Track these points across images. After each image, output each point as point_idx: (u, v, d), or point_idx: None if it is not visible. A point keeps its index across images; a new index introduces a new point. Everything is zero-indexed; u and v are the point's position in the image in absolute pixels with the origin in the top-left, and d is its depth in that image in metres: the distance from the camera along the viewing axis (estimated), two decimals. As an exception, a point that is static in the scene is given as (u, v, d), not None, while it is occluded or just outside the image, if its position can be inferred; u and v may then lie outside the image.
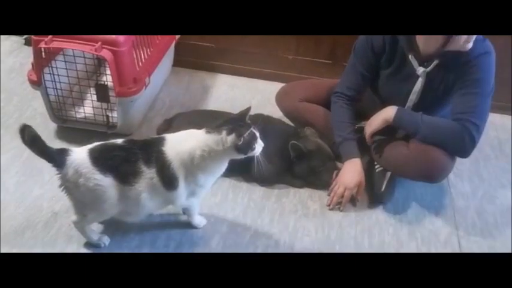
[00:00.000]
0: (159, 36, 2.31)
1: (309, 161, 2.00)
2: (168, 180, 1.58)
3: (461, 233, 1.92)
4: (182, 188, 1.61)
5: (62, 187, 1.58)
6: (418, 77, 1.85)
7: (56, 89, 2.09)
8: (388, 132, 1.97)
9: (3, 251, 1.69)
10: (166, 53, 2.42)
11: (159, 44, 2.34)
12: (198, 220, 1.83)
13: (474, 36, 1.69)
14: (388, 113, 1.87)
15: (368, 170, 2.03)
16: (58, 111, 2.16)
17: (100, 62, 2.35)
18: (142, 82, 2.10)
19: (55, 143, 2.12)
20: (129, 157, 1.56)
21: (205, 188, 1.71)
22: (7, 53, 2.75)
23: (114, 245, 1.75)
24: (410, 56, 1.84)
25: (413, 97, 1.89)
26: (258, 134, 1.60)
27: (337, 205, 1.97)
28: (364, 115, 2.05)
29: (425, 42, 1.77)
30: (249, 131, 1.55)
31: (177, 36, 2.51)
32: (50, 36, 1.92)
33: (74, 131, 2.19)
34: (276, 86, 2.32)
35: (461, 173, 2.19)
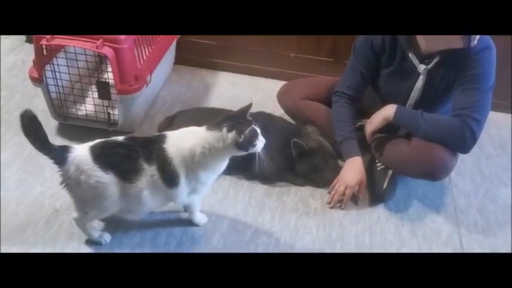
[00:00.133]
0: (160, 33, 2.32)
1: (311, 158, 2.00)
2: (169, 178, 1.58)
3: (463, 231, 1.91)
4: (183, 185, 1.61)
5: (63, 184, 1.58)
6: (418, 74, 1.85)
7: (57, 86, 2.09)
8: (389, 130, 1.97)
9: (4, 248, 1.70)
10: (167, 51, 2.42)
11: (161, 42, 2.33)
12: (199, 218, 1.83)
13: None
14: (388, 111, 1.87)
15: (369, 168, 2.03)
16: (59, 108, 2.16)
17: (101, 59, 2.35)
18: (143, 80, 2.10)
19: (56, 140, 2.12)
20: (130, 154, 1.56)
21: (206, 185, 1.70)
22: (8, 50, 2.76)
23: (115, 242, 1.75)
24: (410, 54, 1.83)
25: (414, 94, 1.89)
26: (259, 131, 1.60)
27: (338, 203, 1.97)
28: (365, 113, 2.05)
29: (430, 42, 1.77)
30: (250, 128, 1.55)
31: (178, 34, 2.51)
32: (52, 34, 1.92)
33: (75, 128, 2.19)
34: (278, 84, 2.32)
35: (463, 171, 2.19)
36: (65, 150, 1.55)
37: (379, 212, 1.97)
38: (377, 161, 2.04)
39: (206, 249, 1.76)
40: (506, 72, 2.39)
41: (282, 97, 2.25)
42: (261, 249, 1.77)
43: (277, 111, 2.24)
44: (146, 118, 2.36)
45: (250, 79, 2.70)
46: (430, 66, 1.82)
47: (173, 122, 2.14)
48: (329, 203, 1.97)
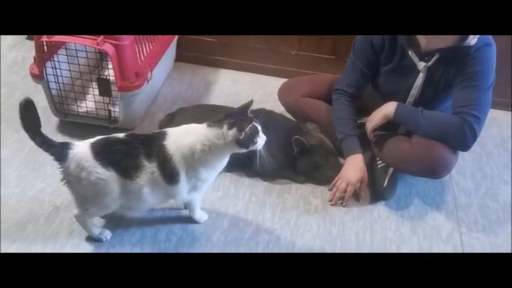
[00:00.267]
0: (161, 30, 2.31)
1: (312, 156, 2.00)
2: (169, 175, 1.58)
3: (463, 230, 1.91)
4: (183, 183, 1.61)
5: (64, 181, 1.58)
6: (418, 72, 1.85)
7: (58, 83, 2.09)
8: (390, 128, 1.97)
9: (5, 244, 1.70)
10: (168, 48, 2.42)
11: (161, 39, 2.33)
12: (200, 215, 1.83)
13: None
14: (388, 108, 1.87)
15: (370, 166, 2.03)
16: (60, 105, 2.16)
17: (102, 56, 2.34)
18: (144, 76, 2.10)
19: (57, 137, 2.10)
20: (131, 151, 1.55)
21: (207, 183, 1.70)
22: (9, 47, 2.75)
23: (116, 239, 1.75)
24: (410, 52, 1.83)
25: (414, 92, 1.89)
26: (260, 128, 1.60)
27: (340, 200, 1.97)
28: (365, 111, 2.04)
29: (431, 40, 1.76)
30: (250, 125, 1.55)
31: (179, 31, 2.50)
32: (52, 30, 1.92)
33: (75, 125, 2.19)
34: (279, 81, 2.32)
35: (464, 170, 2.19)
36: (65, 147, 1.55)
37: (380, 209, 1.97)
38: (377, 158, 2.04)
39: (206, 247, 1.76)
40: (507, 70, 2.38)
41: (283, 94, 2.24)
42: (261, 247, 1.77)
43: (278, 108, 2.23)
44: (147, 115, 2.35)
45: (251, 76, 2.70)
46: (430, 63, 1.82)
47: (174, 119, 2.14)
48: (330, 200, 1.97)
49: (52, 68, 2.05)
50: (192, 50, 2.70)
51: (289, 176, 2.06)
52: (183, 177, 1.60)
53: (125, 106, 2.11)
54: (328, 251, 1.78)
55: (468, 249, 1.83)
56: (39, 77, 2.06)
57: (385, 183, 1.99)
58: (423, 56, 1.83)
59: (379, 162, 2.04)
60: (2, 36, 2.79)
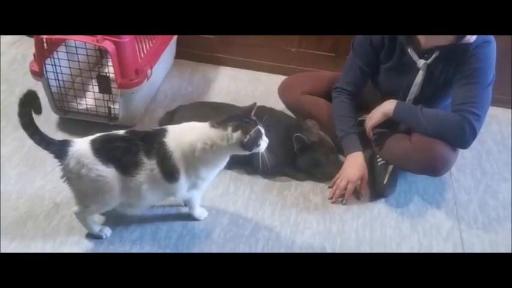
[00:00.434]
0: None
1: (312, 153, 2.00)
2: (169, 172, 1.58)
3: (463, 227, 1.91)
4: (183, 181, 1.61)
5: (64, 178, 1.58)
6: (418, 69, 1.85)
7: (58, 80, 2.09)
8: (390, 125, 1.97)
9: (4, 241, 1.70)
10: (168, 45, 2.42)
11: (161, 36, 2.33)
12: (200, 212, 1.83)
13: None
14: (388, 106, 1.87)
15: (370, 163, 2.03)
16: (60, 102, 2.16)
17: (102, 53, 2.34)
18: (144, 74, 2.10)
19: (56, 135, 2.13)
20: (131, 148, 1.55)
21: (207, 181, 1.70)
22: (9, 44, 2.75)
23: (116, 236, 1.76)
24: (409, 50, 1.83)
25: (414, 90, 1.89)
26: (263, 131, 1.59)
27: (340, 198, 1.97)
28: (366, 108, 2.04)
29: (430, 37, 1.76)
30: (255, 128, 1.55)
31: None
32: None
33: (75, 122, 2.19)
34: (279, 79, 2.32)
35: (464, 167, 2.19)
36: (65, 144, 1.55)
37: (380, 207, 1.97)
38: (377, 156, 2.04)
39: (206, 244, 1.76)
40: (507, 68, 2.38)
41: (283, 92, 2.24)
42: (261, 244, 1.77)
43: (278, 105, 2.23)
44: (147, 112, 2.35)
45: (251, 74, 2.70)
46: (429, 61, 1.82)
47: (174, 116, 2.14)
48: (331, 198, 1.97)
49: (52, 65, 2.05)
50: (192, 47, 2.70)
51: (289, 174, 2.06)
52: (182, 175, 1.59)
53: (125, 103, 2.11)
54: (328, 248, 1.78)
55: (468, 247, 1.83)
56: (39, 74, 2.05)
57: (385, 180, 1.99)
58: (423, 54, 1.82)
59: (379, 160, 2.04)
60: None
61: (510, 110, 2.54)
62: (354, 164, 1.94)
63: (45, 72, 2.04)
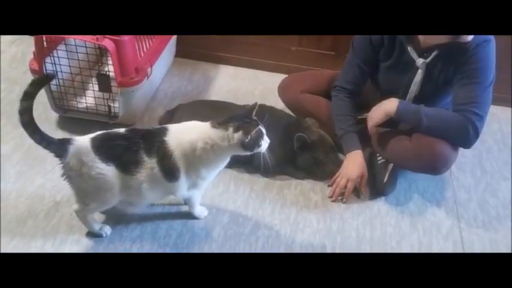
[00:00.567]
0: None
1: (312, 152, 2.00)
2: (169, 171, 1.58)
3: (463, 226, 1.91)
4: (183, 180, 1.61)
5: (65, 176, 1.58)
6: (417, 68, 1.85)
7: (58, 78, 2.08)
8: (390, 124, 1.97)
9: (4, 240, 1.70)
10: (168, 44, 2.42)
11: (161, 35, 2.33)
12: (200, 211, 1.83)
13: None
14: (390, 106, 1.84)
15: (370, 162, 2.03)
16: (60, 101, 2.16)
17: (102, 51, 2.34)
18: (144, 72, 2.10)
19: (57, 133, 2.13)
20: (131, 146, 1.55)
21: (207, 181, 1.70)
22: (9, 42, 2.75)
23: (116, 235, 1.76)
24: (409, 48, 1.83)
25: (413, 88, 1.89)
26: (264, 131, 1.59)
27: (340, 197, 1.97)
28: (366, 106, 2.04)
29: (428, 35, 1.76)
30: (256, 129, 1.55)
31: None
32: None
33: (75, 121, 2.19)
34: (279, 77, 2.32)
35: (464, 166, 2.19)
36: (65, 142, 1.55)
37: (380, 205, 1.97)
38: (377, 154, 2.04)
39: (206, 242, 1.76)
40: (507, 67, 2.38)
41: (283, 90, 2.24)
42: (261, 242, 1.77)
43: (278, 104, 2.23)
44: (147, 111, 2.35)
45: (251, 72, 2.70)
46: (428, 60, 1.82)
47: (174, 115, 2.13)
48: (331, 197, 1.97)
49: (52, 63, 2.05)
50: (192, 45, 2.70)
51: (289, 172, 2.06)
52: (183, 174, 1.59)
53: (125, 102, 2.11)
54: (328, 246, 1.79)
55: (468, 245, 1.84)
56: (38, 72, 2.05)
57: (385, 179, 1.99)
58: (422, 53, 1.82)
59: (379, 158, 2.04)
60: (1, 32, 2.79)
61: (510, 108, 2.55)
62: (353, 163, 1.94)
63: (45, 71, 2.04)
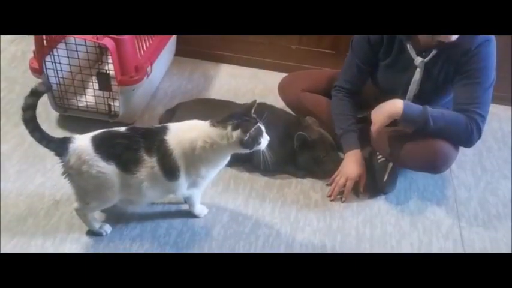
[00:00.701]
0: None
1: (312, 150, 2.00)
2: (170, 170, 1.58)
3: (463, 224, 1.91)
4: (183, 179, 1.61)
5: (65, 175, 1.58)
6: (416, 67, 1.84)
7: (58, 77, 2.08)
8: (391, 123, 1.96)
9: (4, 238, 1.70)
10: (168, 42, 2.41)
11: (161, 33, 2.33)
12: (200, 209, 1.83)
13: None
14: (396, 109, 1.77)
15: (370, 160, 2.03)
16: (60, 99, 2.16)
17: (102, 50, 2.34)
18: (144, 71, 2.09)
19: (56, 132, 2.12)
20: (132, 145, 1.55)
21: (207, 180, 1.70)
22: (9, 41, 2.75)
23: (116, 233, 1.76)
24: (408, 46, 1.82)
25: (413, 87, 1.88)
26: (263, 129, 1.59)
27: (339, 195, 1.96)
28: (366, 106, 2.04)
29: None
30: (255, 126, 1.54)
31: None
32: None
33: (75, 119, 2.19)
34: (279, 76, 2.32)
35: (464, 164, 2.19)
36: (65, 140, 1.55)
37: (380, 204, 1.97)
38: (377, 153, 2.04)
39: (206, 241, 1.76)
40: (507, 66, 2.38)
41: (283, 89, 2.24)
42: (261, 241, 1.77)
43: (278, 103, 2.23)
44: (147, 110, 2.35)
45: (251, 71, 2.70)
46: (427, 59, 1.81)
47: (174, 114, 2.13)
48: (329, 196, 1.97)
49: (52, 62, 2.05)
50: (192, 44, 2.69)
51: (289, 171, 2.06)
52: (183, 173, 1.59)
53: (125, 100, 2.11)
54: (328, 245, 1.79)
55: (468, 244, 1.84)
56: (38, 71, 2.05)
57: (385, 177, 1.99)
58: (421, 51, 1.82)
59: (379, 157, 2.04)
60: (1, 30, 2.79)
61: (510, 107, 2.55)
62: (352, 162, 1.94)
63: (45, 70, 2.04)
